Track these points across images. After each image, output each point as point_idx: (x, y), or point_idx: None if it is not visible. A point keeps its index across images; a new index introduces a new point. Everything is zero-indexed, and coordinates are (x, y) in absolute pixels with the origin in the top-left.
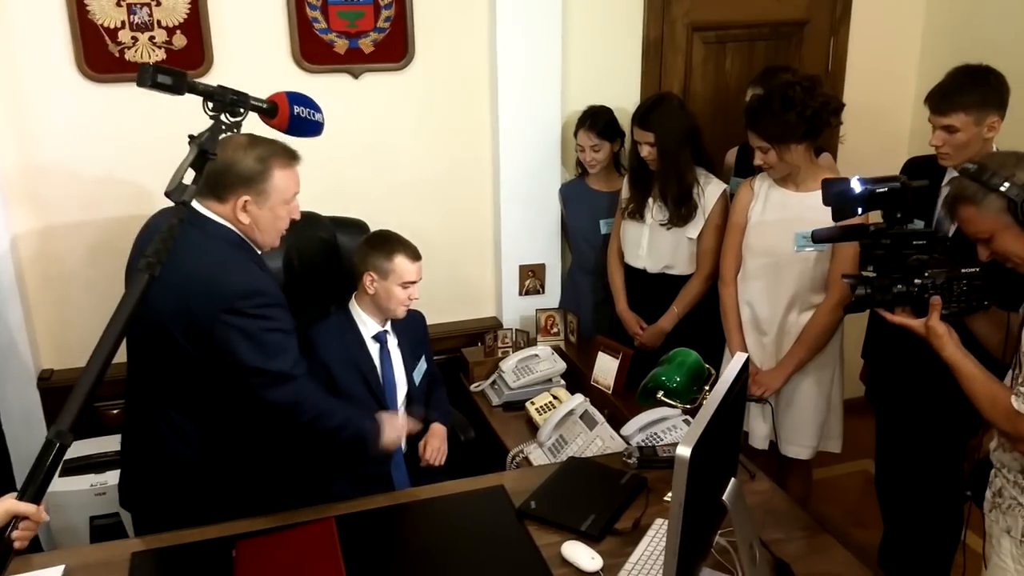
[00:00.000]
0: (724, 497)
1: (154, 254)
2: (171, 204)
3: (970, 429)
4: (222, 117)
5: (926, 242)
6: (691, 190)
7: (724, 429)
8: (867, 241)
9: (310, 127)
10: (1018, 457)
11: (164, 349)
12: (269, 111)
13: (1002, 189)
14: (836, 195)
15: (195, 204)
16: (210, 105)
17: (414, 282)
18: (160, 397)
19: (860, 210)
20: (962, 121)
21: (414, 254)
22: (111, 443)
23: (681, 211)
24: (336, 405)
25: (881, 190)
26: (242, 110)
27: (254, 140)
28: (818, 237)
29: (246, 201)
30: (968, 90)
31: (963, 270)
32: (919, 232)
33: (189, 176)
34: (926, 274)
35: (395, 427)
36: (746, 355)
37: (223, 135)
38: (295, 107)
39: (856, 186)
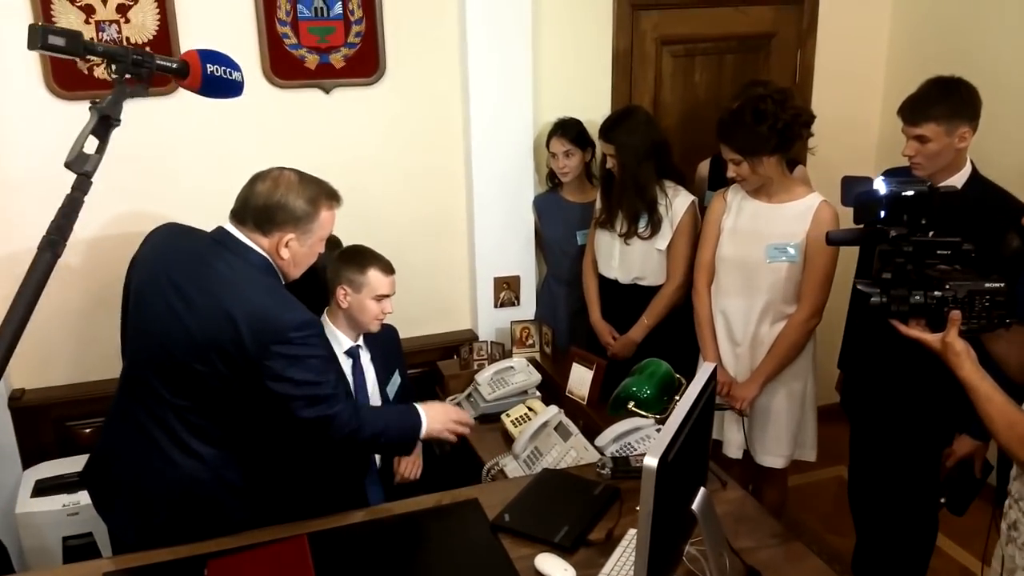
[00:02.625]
0: (693, 506)
1: (56, 231)
2: (168, 222)
3: (944, 438)
4: (127, 79)
5: (951, 252)
6: (655, 204)
7: (693, 438)
8: (887, 247)
9: (227, 86)
10: None
11: (193, 370)
12: (180, 71)
13: None
14: (859, 196)
15: (233, 231)
16: (113, 68)
17: (387, 295)
18: (172, 417)
19: (883, 213)
20: (934, 131)
21: (387, 267)
22: (83, 464)
23: (637, 225)
24: (375, 414)
25: (907, 193)
26: (148, 70)
27: (303, 178)
28: (833, 239)
29: (290, 239)
30: (940, 101)
31: (987, 284)
32: (945, 241)
33: (91, 145)
34: (947, 286)
35: (444, 413)
36: (714, 365)
37: (127, 99)
38: (208, 65)
39: (881, 187)
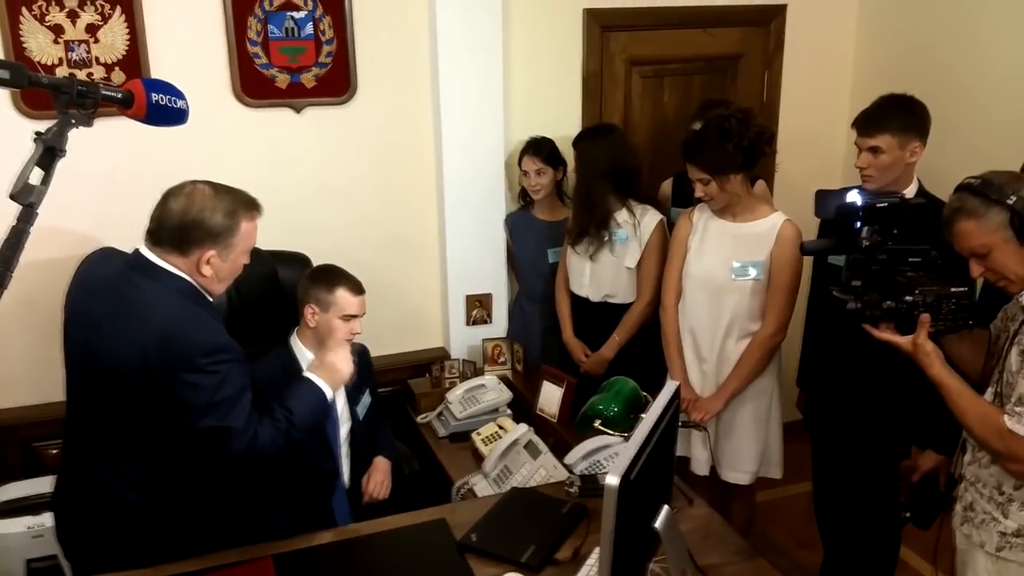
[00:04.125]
0: (656, 524)
1: (2, 263)
2: (104, 247)
3: (902, 451)
4: (71, 111)
5: (921, 260)
6: (605, 222)
7: (656, 456)
8: (861, 256)
9: (171, 115)
10: (995, 473)
11: (117, 398)
12: (124, 101)
13: (1008, 202)
14: (837, 208)
15: (148, 254)
16: (59, 99)
17: (356, 316)
18: (107, 444)
19: (859, 224)
20: (887, 143)
21: (357, 287)
22: (49, 484)
23: (585, 238)
24: (271, 425)
25: (881, 204)
26: (93, 101)
27: (218, 190)
28: (807, 249)
29: (211, 256)
30: (894, 115)
31: (952, 289)
32: (915, 250)
33: (36, 176)
34: (917, 291)
35: (339, 358)
36: (677, 383)
37: (71, 130)
38: (153, 95)
39: (857, 199)
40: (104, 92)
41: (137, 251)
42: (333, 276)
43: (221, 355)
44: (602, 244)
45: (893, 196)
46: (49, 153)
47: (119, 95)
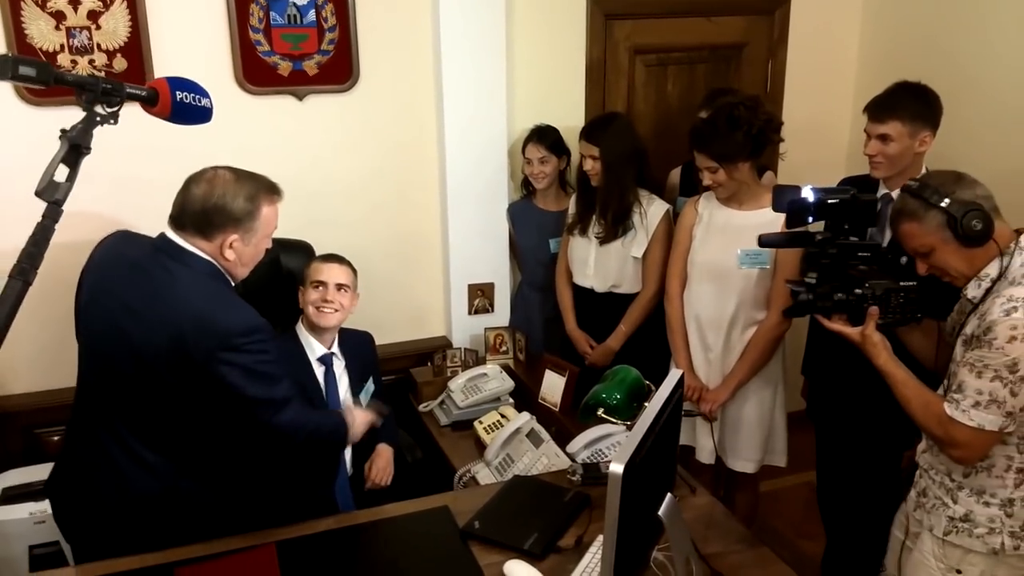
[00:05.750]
0: (660, 512)
1: (27, 259)
2: (120, 230)
3: (906, 441)
4: (97, 108)
5: (870, 254)
6: (630, 209)
7: (660, 445)
8: (814, 249)
9: (196, 113)
10: (945, 460)
11: (145, 378)
12: (149, 99)
13: (942, 205)
14: (789, 203)
15: (174, 237)
16: (83, 96)
17: (324, 283)
18: (123, 427)
19: (811, 219)
20: (898, 131)
21: (329, 257)
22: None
23: (617, 229)
24: (315, 414)
25: (832, 200)
26: (118, 99)
27: (239, 175)
28: (764, 242)
29: (234, 240)
30: (907, 102)
31: (901, 283)
32: (865, 245)
33: (61, 173)
34: (866, 284)
35: (360, 419)
36: (681, 372)
37: (96, 127)
38: (177, 92)
39: (809, 195)
40: (129, 90)
41: (163, 235)
42: (315, 254)
43: (257, 335)
44: (617, 234)
45: (844, 192)
46: (74, 151)
47: (144, 93)
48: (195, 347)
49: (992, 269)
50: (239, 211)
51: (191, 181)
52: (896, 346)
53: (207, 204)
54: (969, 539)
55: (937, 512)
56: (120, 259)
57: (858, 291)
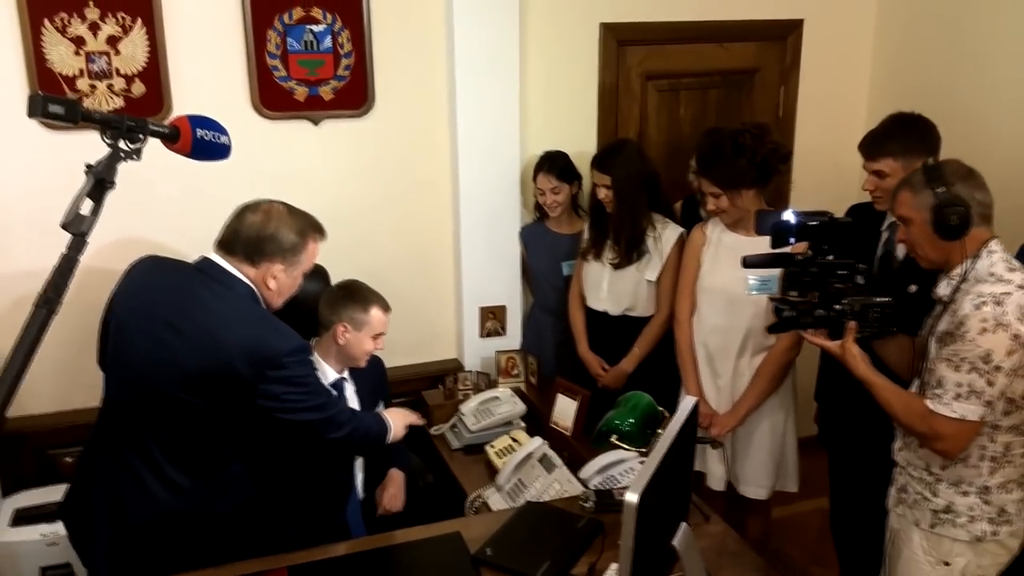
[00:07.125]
0: (675, 541)
1: (53, 289)
2: (149, 255)
3: None
4: (120, 144)
5: (848, 272)
6: (644, 235)
7: (674, 473)
8: (795, 268)
9: (215, 150)
10: (923, 456)
11: (183, 402)
12: (171, 136)
13: (937, 191)
14: (772, 225)
15: (221, 262)
16: (108, 133)
17: (383, 334)
18: (158, 452)
19: (792, 240)
20: (890, 166)
21: (387, 307)
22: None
23: (632, 255)
24: (365, 416)
25: (812, 223)
26: (141, 136)
27: (292, 211)
28: (749, 262)
29: (278, 270)
30: (896, 137)
31: (877, 299)
32: (842, 263)
33: (86, 207)
34: (845, 301)
35: (399, 420)
36: (696, 399)
37: (122, 163)
38: (198, 130)
39: (790, 218)
40: (152, 127)
41: (207, 258)
42: (366, 296)
43: (302, 354)
44: (631, 259)
45: (823, 216)
46: (99, 185)
47: (166, 130)
48: (246, 368)
49: (960, 269)
50: (288, 243)
51: (246, 209)
52: (873, 360)
53: (263, 232)
54: (954, 529)
55: (920, 507)
56: (161, 280)
57: (837, 307)
